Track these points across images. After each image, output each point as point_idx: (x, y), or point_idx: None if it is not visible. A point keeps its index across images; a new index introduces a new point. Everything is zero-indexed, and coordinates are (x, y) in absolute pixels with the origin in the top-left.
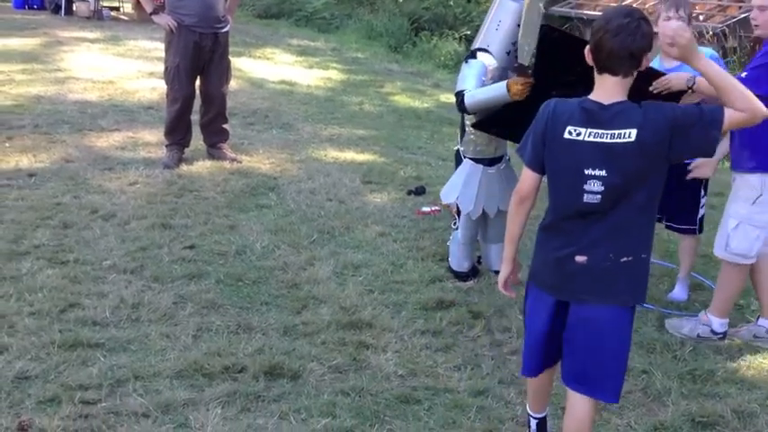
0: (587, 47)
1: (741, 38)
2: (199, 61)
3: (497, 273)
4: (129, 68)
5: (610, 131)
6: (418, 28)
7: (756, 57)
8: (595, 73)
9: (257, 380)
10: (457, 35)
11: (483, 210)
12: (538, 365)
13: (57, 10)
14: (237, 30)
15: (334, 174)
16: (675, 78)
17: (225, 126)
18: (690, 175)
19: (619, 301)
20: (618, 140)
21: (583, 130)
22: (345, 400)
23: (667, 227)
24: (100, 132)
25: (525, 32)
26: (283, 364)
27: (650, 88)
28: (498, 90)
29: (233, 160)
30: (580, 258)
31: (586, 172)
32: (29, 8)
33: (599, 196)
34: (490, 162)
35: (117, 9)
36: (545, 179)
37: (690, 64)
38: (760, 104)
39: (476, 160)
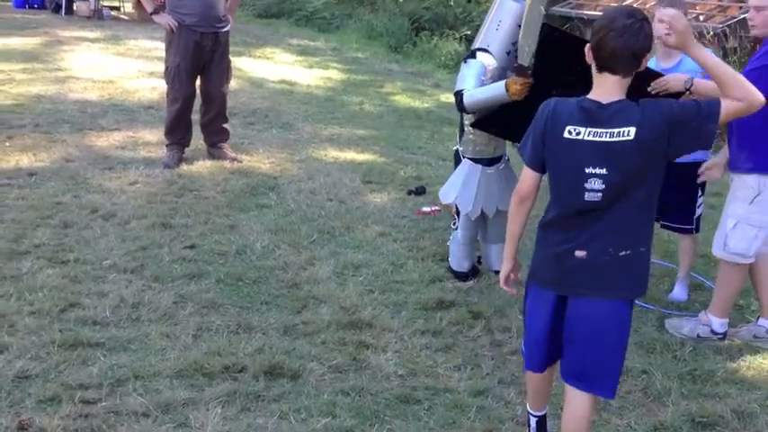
0: (588, 45)
1: (742, 38)
2: (199, 61)
3: (497, 273)
4: (130, 68)
5: (608, 130)
6: (418, 28)
7: (753, 59)
8: (594, 71)
9: (257, 379)
10: (457, 35)
11: (482, 210)
12: (542, 360)
13: (57, 9)
14: (238, 29)
15: (335, 173)
16: (673, 80)
17: (225, 126)
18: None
19: (618, 296)
20: (617, 139)
21: (582, 130)
22: (345, 400)
23: (664, 226)
24: (100, 132)
25: (526, 33)
26: (283, 364)
27: (648, 89)
28: (497, 90)
29: (233, 160)
30: (580, 253)
31: (587, 170)
32: (29, 7)
33: (600, 194)
34: (489, 162)
35: (117, 8)
36: (545, 178)
37: (687, 52)
38: (757, 93)
39: (475, 160)
